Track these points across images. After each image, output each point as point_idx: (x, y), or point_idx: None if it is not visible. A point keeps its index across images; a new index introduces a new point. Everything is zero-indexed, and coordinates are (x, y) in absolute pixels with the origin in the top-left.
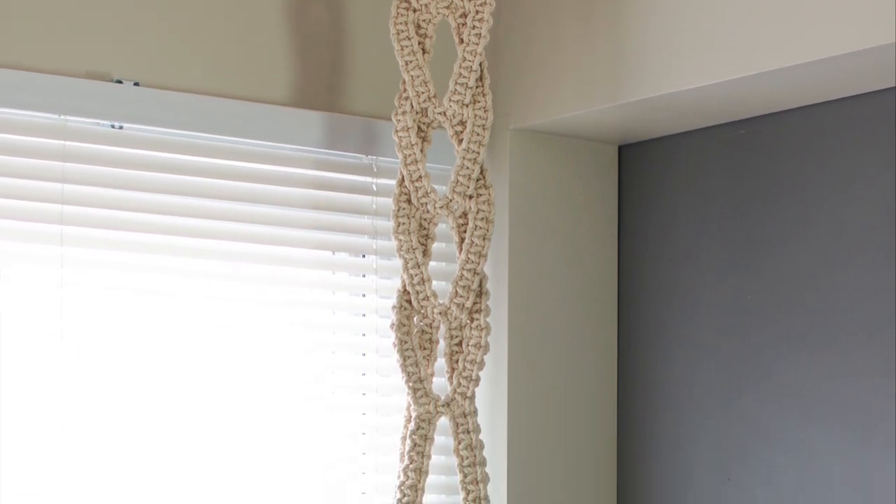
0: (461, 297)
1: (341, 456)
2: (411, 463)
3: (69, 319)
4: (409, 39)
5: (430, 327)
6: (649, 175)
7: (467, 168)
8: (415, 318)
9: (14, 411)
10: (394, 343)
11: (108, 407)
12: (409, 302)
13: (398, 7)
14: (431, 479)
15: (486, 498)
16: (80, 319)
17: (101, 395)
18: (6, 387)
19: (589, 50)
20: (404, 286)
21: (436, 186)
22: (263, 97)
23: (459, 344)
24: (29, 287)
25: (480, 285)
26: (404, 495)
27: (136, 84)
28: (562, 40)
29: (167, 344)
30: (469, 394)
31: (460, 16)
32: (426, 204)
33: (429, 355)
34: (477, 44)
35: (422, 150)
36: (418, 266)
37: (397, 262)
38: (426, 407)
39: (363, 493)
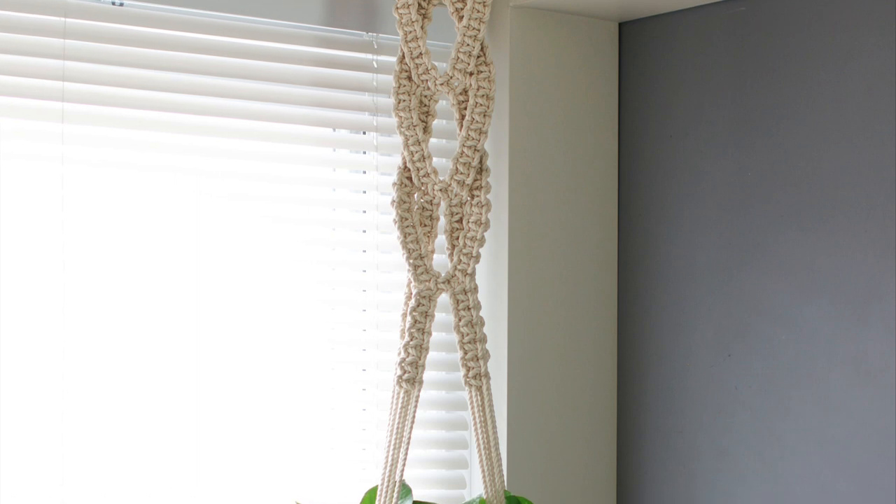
0: (461, 173)
1: (342, 334)
2: (412, 340)
3: (70, 196)
4: None
5: (431, 204)
6: (650, 52)
7: (468, 45)
8: (415, 195)
9: (11, 286)
10: (394, 220)
11: (106, 284)
12: (410, 179)
13: None
14: (432, 355)
15: (487, 374)
16: (80, 196)
17: (100, 270)
18: (5, 259)
19: None
20: (405, 163)
21: (436, 64)
22: None
23: (460, 221)
24: (30, 164)
25: (481, 162)
26: (405, 372)
27: None
28: None
29: (167, 219)
30: (469, 271)
31: None
32: (427, 81)
33: (429, 232)
34: None
35: (422, 28)
36: (419, 143)
37: (398, 139)
38: (426, 284)
39: (364, 371)
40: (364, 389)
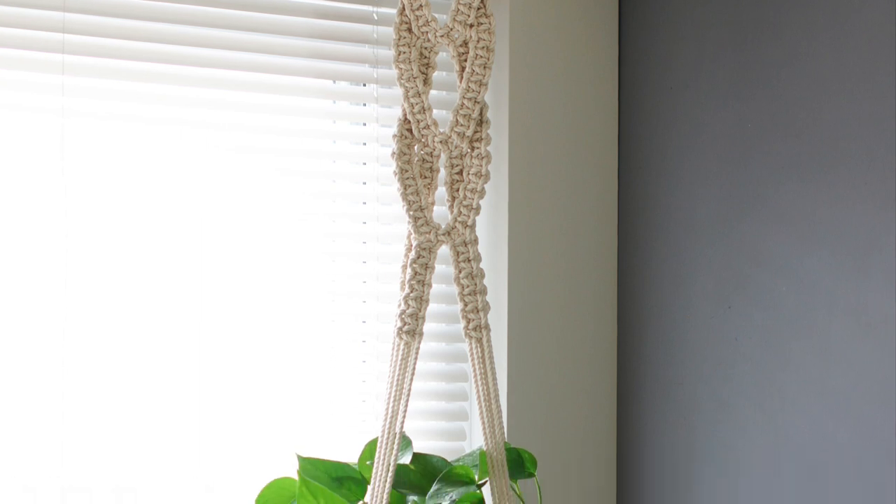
0: (462, 125)
1: (342, 286)
2: (412, 292)
3: (70, 148)
4: None
5: (431, 156)
6: (650, 3)
7: None
8: (415, 147)
9: (10, 237)
10: (394, 172)
11: (106, 233)
12: (410, 131)
13: None
14: (432, 307)
15: (487, 326)
16: (81, 148)
17: (100, 221)
18: (4, 211)
19: None
20: (405, 115)
21: (437, 16)
22: None
23: (460, 173)
24: (30, 116)
25: (481, 114)
26: (405, 323)
27: None
28: None
29: (168, 169)
30: (469, 222)
31: None
32: (427, 33)
33: (429, 184)
34: None
35: None
36: (419, 95)
37: (398, 91)
38: (427, 236)
39: (364, 323)
40: (364, 341)
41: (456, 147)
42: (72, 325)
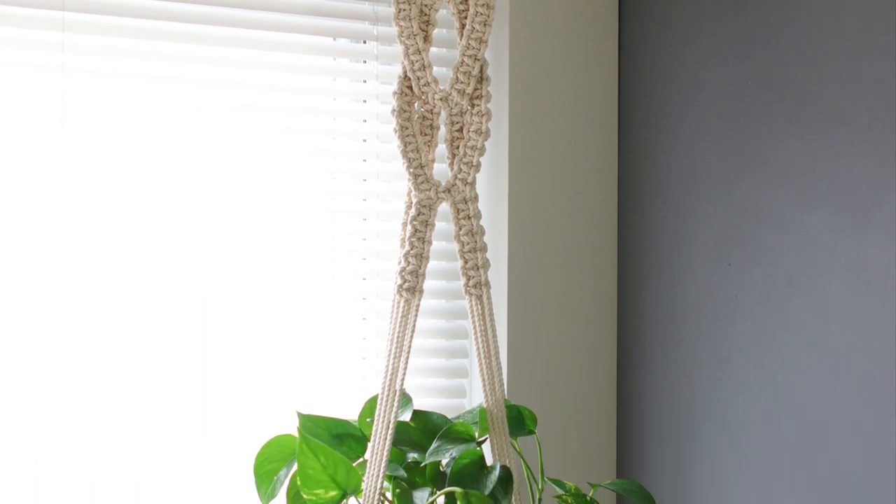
0: (462, 83)
1: (342, 243)
2: (412, 249)
3: (71, 106)
4: None
5: (431, 113)
6: None
7: None
8: (416, 105)
9: (11, 195)
10: (395, 129)
11: (107, 192)
12: (410, 88)
13: None
14: (432, 264)
15: (487, 283)
16: (82, 106)
17: (101, 179)
18: (4, 169)
19: None
20: (405, 72)
21: None
22: None
23: (460, 130)
24: (30, 73)
25: (481, 71)
26: (405, 281)
27: None
28: None
29: (168, 126)
30: (469, 179)
31: None
32: None
33: (430, 141)
34: None
35: None
36: (419, 52)
37: (398, 49)
38: (427, 193)
39: (364, 280)
40: (364, 299)
41: (456, 104)
42: (72, 287)
